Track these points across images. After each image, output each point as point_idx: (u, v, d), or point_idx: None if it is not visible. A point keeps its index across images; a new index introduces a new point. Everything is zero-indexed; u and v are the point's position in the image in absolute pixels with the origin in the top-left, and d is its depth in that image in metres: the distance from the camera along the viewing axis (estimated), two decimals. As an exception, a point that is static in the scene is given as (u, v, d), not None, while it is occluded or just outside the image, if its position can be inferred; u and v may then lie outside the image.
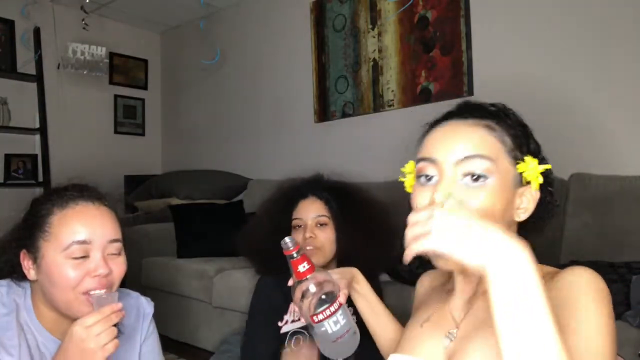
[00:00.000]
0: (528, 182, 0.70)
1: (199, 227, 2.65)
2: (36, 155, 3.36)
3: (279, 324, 1.37)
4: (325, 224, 1.38)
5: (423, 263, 1.91)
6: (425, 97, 2.52)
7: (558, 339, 0.52)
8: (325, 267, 1.39)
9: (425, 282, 0.93)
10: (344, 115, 2.88)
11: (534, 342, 0.52)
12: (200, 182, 3.25)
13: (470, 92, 2.36)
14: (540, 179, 0.69)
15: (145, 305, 1.11)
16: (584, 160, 1.93)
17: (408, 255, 0.60)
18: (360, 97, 2.80)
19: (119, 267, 0.93)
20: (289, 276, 1.38)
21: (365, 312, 1.00)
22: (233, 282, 2.17)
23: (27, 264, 0.94)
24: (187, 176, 3.41)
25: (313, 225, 1.37)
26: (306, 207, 1.40)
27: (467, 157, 0.67)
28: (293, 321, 1.36)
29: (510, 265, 0.54)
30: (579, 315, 0.60)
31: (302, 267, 0.85)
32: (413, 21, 2.57)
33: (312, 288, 0.84)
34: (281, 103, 3.26)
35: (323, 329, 0.82)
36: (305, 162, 3.09)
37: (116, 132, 3.91)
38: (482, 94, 2.33)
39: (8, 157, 3.25)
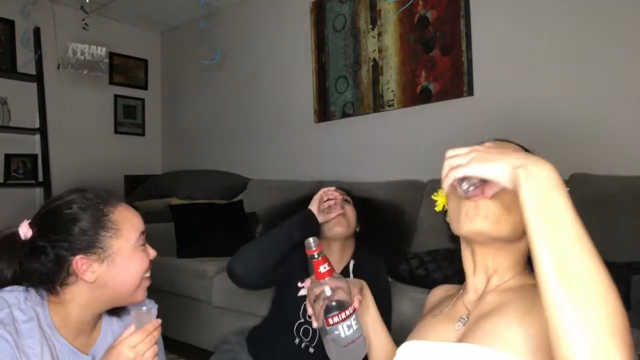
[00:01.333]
0: None
1: (199, 227, 2.65)
2: (36, 155, 3.36)
3: (299, 284, 1.41)
4: (349, 202, 1.56)
5: (423, 263, 1.92)
6: (425, 97, 2.52)
7: (586, 233, 0.57)
8: (345, 242, 1.53)
9: (438, 293, 0.99)
10: (344, 115, 2.88)
11: (570, 235, 0.56)
12: (200, 182, 3.25)
13: (470, 92, 2.36)
14: None
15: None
16: (584, 160, 1.93)
17: (447, 183, 0.70)
18: (360, 97, 2.80)
19: None
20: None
21: (366, 325, 1.01)
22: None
23: (84, 268, 0.94)
24: (187, 176, 3.41)
25: (341, 199, 1.54)
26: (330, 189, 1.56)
27: None
28: None
29: (541, 168, 0.60)
30: None
31: (323, 268, 0.86)
32: (413, 21, 2.57)
33: (328, 291, 0.84)
34: (281, 103, 3.26)
35: (337, 332, 0.83)
36: (305, 162, 3.09)
37: (116, 132, 3.91)
38: (482, 94, 2.34)
39: (8, 157, 3.25)
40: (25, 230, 0.97)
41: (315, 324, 0.87)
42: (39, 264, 0.93)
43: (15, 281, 0.96)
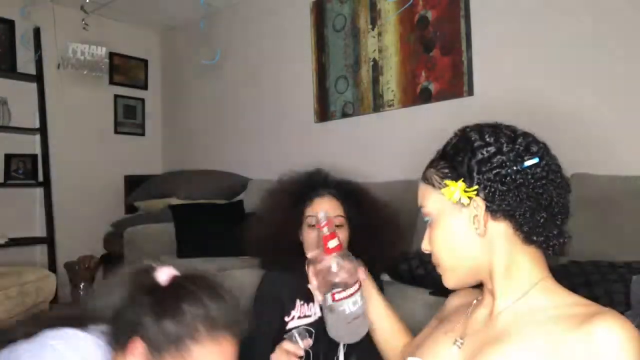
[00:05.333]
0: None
1: (199, 227, 2.65)
2: (36, 155, 3.36)
3: (286, 318, 1.37)
4: (341, 225, 1.35)
5: (423, 263, 1.92)
6: (425, 97, 2.52)
7: None
8: None
9: (455, 301, 0.94)
10: (344, 115, 2.88)
11: None
12: (200, 182, 3.25)
13: (470, 92, 2.36)
14: (474, 191, 0.71)
15: None
16: (584, 160, 1.93)
17: None
18: (360, 97, 2.80)
19: None
20: (295, 272, 1.39)
21: (372, 314, 1.01)
22: (233, 282, 2.16)
23: (136, 355, 0.78)
24: (187, 176, 3.41)
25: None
26: (323, 204, 1.36)
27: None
28: (300, 317, 1.37)
29: None
30: None
31: (331, 244, 0.86)
32: (413, 21, 2.57)
33: (335, 267, 0.85)
34: (281, 103, 3.26)
35: (341, 308, 0.84)
36: (305, 162, 3.06)
37: (116, 132, 3.91)
38: (482, 94, 2.34)
39: (8, 157, 3.25)
40: (164, 278, 0.83)
41: (318, 298, 0.86)
42: (124, 319, 0.80)
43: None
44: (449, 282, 0.79)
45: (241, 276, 2.15)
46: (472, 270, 0.75)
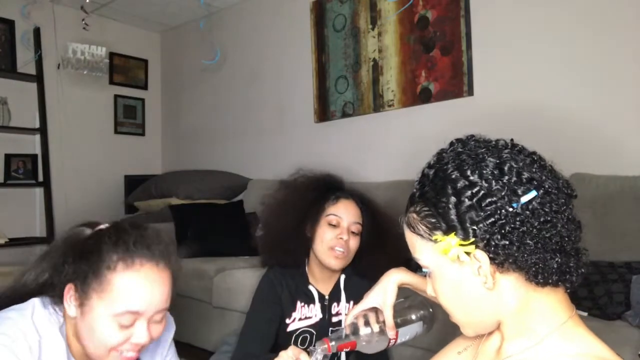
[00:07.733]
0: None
1: (199, 227, 2.65)
2: (36, 155, 3.36)
3: (287, 321, 1.38)
4: (357, 234, 1.36)
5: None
6: (425, 97, 2.52)
7: None
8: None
9: None
10: (344, 115, 2.88)
11: None
12: (200, 182, 3.25)
13: (470, 92, 2.36)
14: (471, 244, 0.62)
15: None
16: (584, 160, 1.93)
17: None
18: (360, 97, 2.80)
19: (156, 333, 0.91)
20: (295, 272, 1.40)
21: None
22: (233, 282, 2.17)
23: (70, 299, 0.87)
24: (187, 176, 3.41)
25: (349, 230, 1.35)
26: (348, 208, 1.37)
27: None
28: (300, 319, 1.38)
29: None
30: None
31: (345, 351, 0.98)
32: (413, 21, 2.57)
33: (365, 342, 0.93)
34: (281, 103, 3.26)
35: (400, 342, 0.96)
36: (305, 162, 3.06)
37: (116, 132, 3.91)
38: (482, 94, 2.34)
39: (8, 157, 3.25)
40: (89, 232, 0.93)
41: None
42: (59, 276, 0.89)
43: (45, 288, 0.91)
44: (467, 333, 0.72)
45: (241, 276, 2.15)
46: (487, 320, 0.68)
